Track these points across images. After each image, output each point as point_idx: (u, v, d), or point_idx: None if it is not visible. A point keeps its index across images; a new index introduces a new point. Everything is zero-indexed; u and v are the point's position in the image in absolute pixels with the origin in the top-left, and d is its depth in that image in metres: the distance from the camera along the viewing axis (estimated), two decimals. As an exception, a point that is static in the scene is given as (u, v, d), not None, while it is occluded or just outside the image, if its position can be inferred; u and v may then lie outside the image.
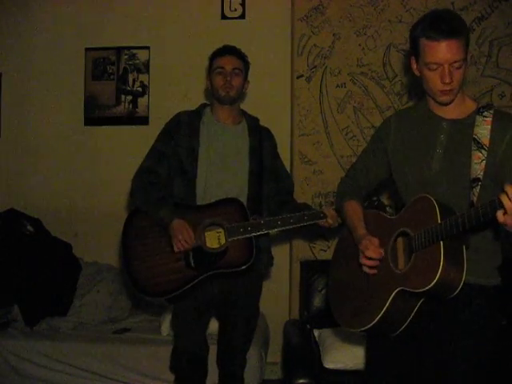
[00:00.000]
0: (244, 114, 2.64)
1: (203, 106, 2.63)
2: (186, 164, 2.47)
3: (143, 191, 2.46)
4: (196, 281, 2.35)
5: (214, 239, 2.40)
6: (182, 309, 2.50)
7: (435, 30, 1.70)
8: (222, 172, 2.48)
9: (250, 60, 2.60)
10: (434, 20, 1.73)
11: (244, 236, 2.37)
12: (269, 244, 2.62)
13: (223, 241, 2.38)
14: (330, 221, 2.46)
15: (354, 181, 2.11)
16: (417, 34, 1.77)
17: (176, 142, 2.49)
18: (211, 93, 2.58)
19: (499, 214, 1.48)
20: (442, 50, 1.70)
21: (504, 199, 1.45)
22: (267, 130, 2.67)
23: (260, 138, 2.59)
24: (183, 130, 2.51)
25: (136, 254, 2.41)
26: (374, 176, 2.07)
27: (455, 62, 1.71)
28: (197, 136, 2.50)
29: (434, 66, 1.74)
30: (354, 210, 2.04)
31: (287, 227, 2.44)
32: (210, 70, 2.55)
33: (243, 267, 2.35)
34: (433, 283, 1.64)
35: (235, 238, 2.37)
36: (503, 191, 1.46)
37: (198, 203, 2.45)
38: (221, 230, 2.40)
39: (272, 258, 2.65)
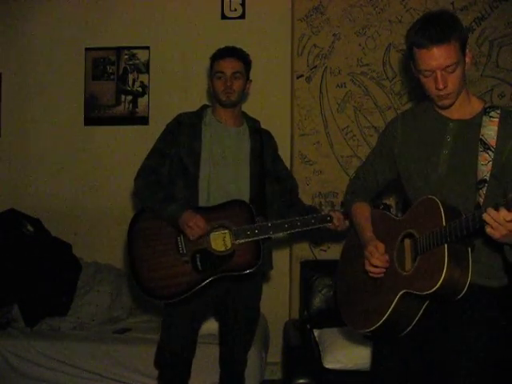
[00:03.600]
0: (245, 116, 2.63)
1: (204, 107, 2.61)
2: (188, 165, 2.45)
3: (148, 190, 2.43)
4: (203, 283, 2.32)
5: (219, 241, 2.37)
6: (176, 308, 2.46)
7: (424, 38, 1.68)
8: (224, 174, 2.47)
9: (251, 58, 2.57)
10: (422, 27, 1.71)
11: (251, 239, 2.35)
12: (270, 245, 2.61)
13: (228, 242, 2.36)
14: (336, 223, 2.44)
15: (362, 181, 2.11)
16: (409, 41, 1.76)
17: (177, 143, 2.48)
18: (212, 95, 2.57)
19: (487, 228, 1.50)
20: (433, 57, 1.68)
21: (487, 218, 1.48)
22: (268, 133, 2.67)
23: (261, 140, 2.58)
24: (184, 131, 2.49)
25: (142, 256, 2.37)
26: (382, 177, 2.07)
27: (448, 66, 1.69)
28: (199, 137, 2.48)
29: (428, 73, 1.72)
30: (362, 211, 2.04)
31: (294, 230, 2.42)
32: (211, 72, 2.53)
33: (251, 270, 2.33)
34: (437, 286, 1.63)
35: (242, 241, 2.34)
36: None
37: (201, 205, 2.43)
38: (226, 231, 2.37)
39: (271, 259, 2.64)
